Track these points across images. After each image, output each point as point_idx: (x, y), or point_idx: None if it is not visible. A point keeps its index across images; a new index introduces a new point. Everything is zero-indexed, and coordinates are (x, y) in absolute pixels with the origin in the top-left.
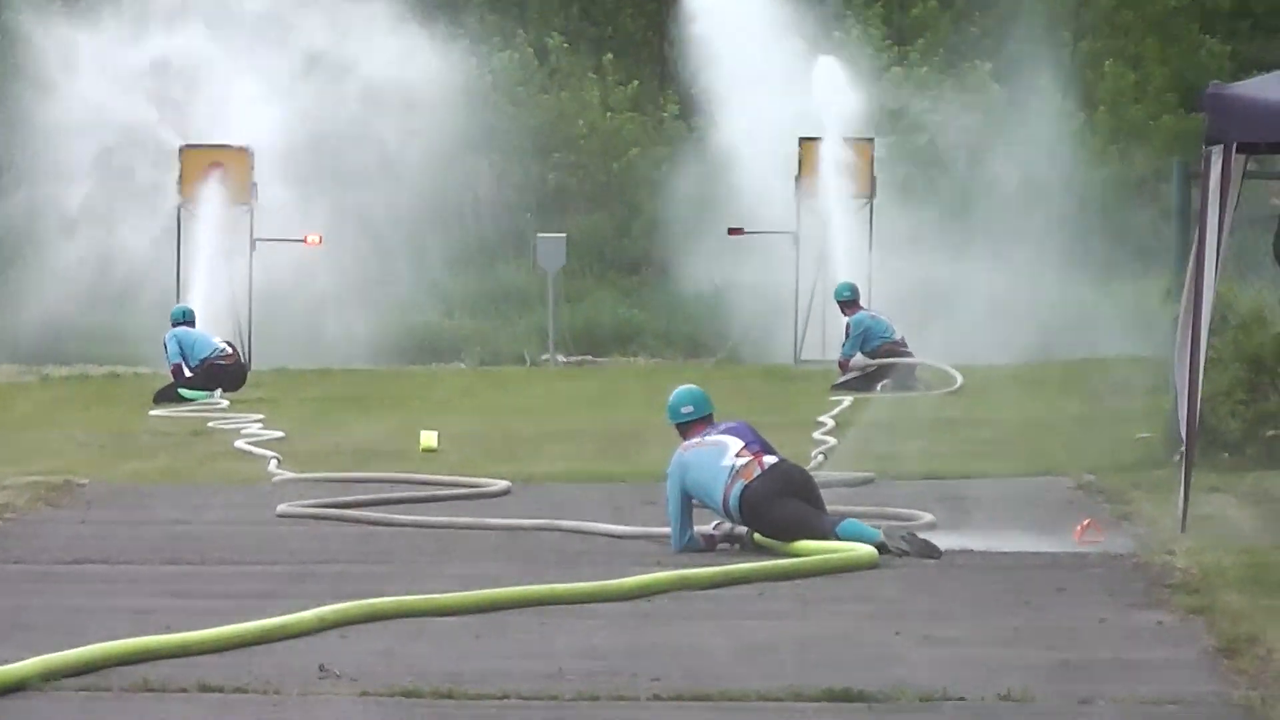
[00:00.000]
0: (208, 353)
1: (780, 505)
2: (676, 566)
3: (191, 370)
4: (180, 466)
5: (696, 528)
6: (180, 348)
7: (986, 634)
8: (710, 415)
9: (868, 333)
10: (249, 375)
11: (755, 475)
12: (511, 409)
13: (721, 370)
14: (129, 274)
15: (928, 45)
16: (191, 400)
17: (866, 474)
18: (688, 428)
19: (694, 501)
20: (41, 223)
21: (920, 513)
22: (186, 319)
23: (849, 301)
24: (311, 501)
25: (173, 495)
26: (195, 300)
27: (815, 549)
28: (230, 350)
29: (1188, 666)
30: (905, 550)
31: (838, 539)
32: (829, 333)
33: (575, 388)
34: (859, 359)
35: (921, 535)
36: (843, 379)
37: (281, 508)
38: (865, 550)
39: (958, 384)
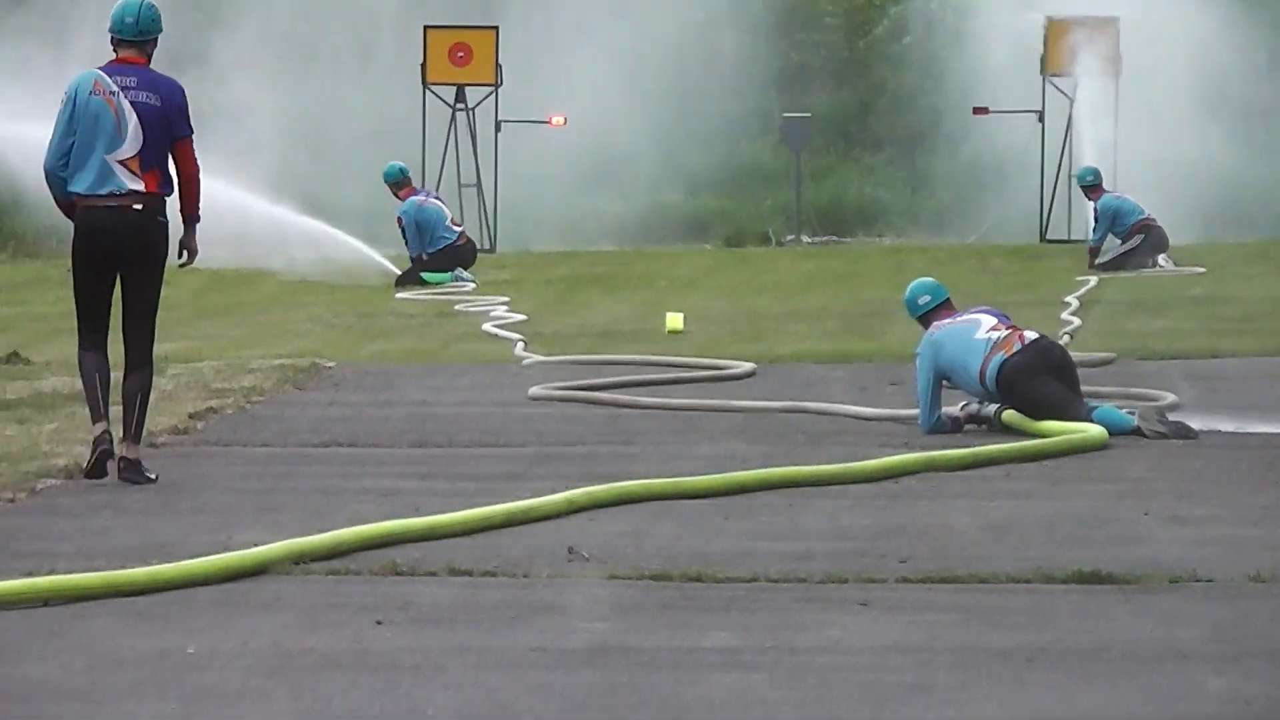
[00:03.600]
0: (443, 243)
1: (1039, 383)
2: (924, 448)
3: (429, 257)
4: (426, 348)
5: (944, 409)
6: (420, 234)
7: (1235, 513)
8: (948, 300)
9: (1117, 214)
10: (495, 259)
11: (1016, 349)
12: (756, 288)
13: (968, 249)
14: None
15: None
16: (436, 284)
17: (1108, 354)
18: (929, 317)
19: (944, 383)
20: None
21: (1164, 393)
22: (405, 177)
23: (1092, 186)
24: (560, 384)
25: (419, 377)
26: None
27: (1057, 429)
28: (460, 228)
29: None
30: (1162, 433)
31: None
32: (1075, 212)
33: (820, 266)
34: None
35: (1173, 416)
36: (1099, 261)
37: (533, 390)
38: (1096, 431)
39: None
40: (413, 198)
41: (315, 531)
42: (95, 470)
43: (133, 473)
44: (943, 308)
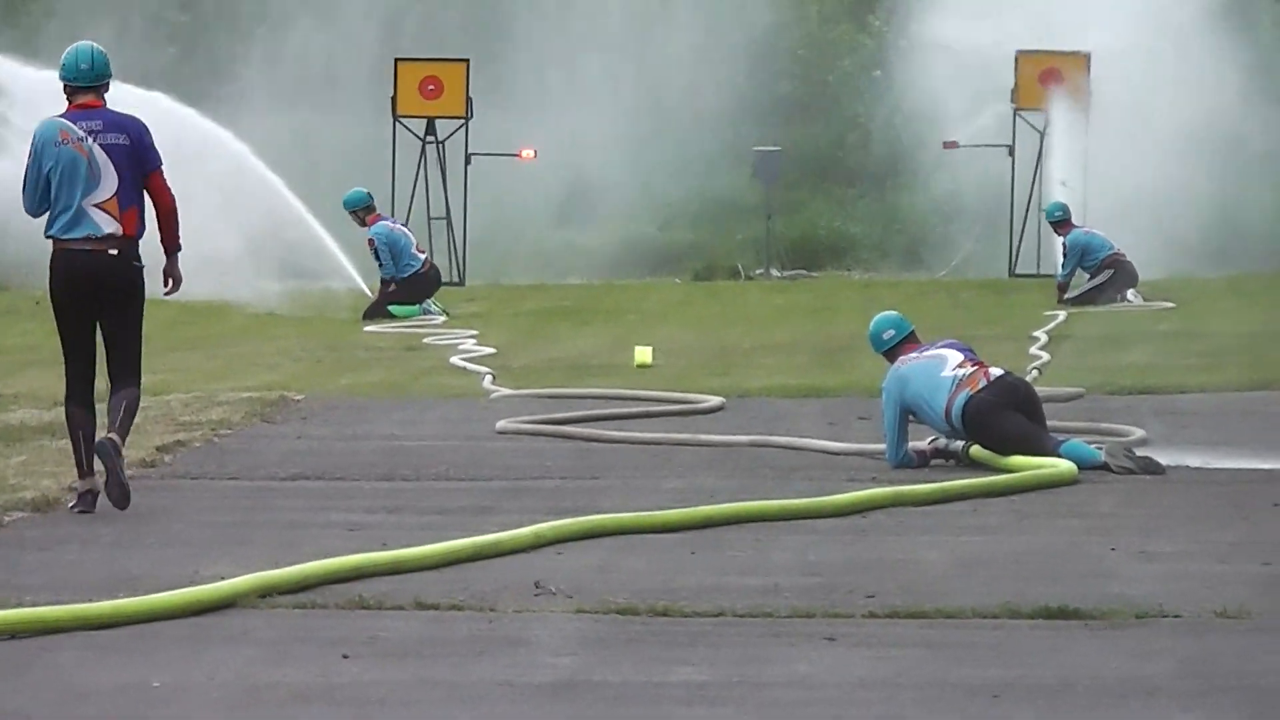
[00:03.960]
0: (410, 270)
1: (1005, 418)
2: (892, 482)
3: (397, 284)
4: (395, 381)
5: (911, 443)
6: (392, 258)
7: (1202, 549)
8: (913, 333)
9: (1086, 249)
10: (465, 291)
11: (981, 386)
12: (726, 321)
13: (938, 284)
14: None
15: None
16: (404, 318)
17: (1076, 389)
18: (894, 351)
19: (910, 417)
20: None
21: (1132, 428)
22: (371, 201)
23: (1061, 221)
24: (528, 418)
25: (387, 410)
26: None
27: (1025, 464)
28: (424, 255)
29: None
30: (1130, 468)
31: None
32: (1044, 246)
33: (790, 300)
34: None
35: (1140, 452)
36: (1068, 296)
37: (500, 424)
38: (1066, 467)
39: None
40: (382, 222)
41: (282, 565)
42: (82, 507)
43: (115, 453)
44: (907, 341)
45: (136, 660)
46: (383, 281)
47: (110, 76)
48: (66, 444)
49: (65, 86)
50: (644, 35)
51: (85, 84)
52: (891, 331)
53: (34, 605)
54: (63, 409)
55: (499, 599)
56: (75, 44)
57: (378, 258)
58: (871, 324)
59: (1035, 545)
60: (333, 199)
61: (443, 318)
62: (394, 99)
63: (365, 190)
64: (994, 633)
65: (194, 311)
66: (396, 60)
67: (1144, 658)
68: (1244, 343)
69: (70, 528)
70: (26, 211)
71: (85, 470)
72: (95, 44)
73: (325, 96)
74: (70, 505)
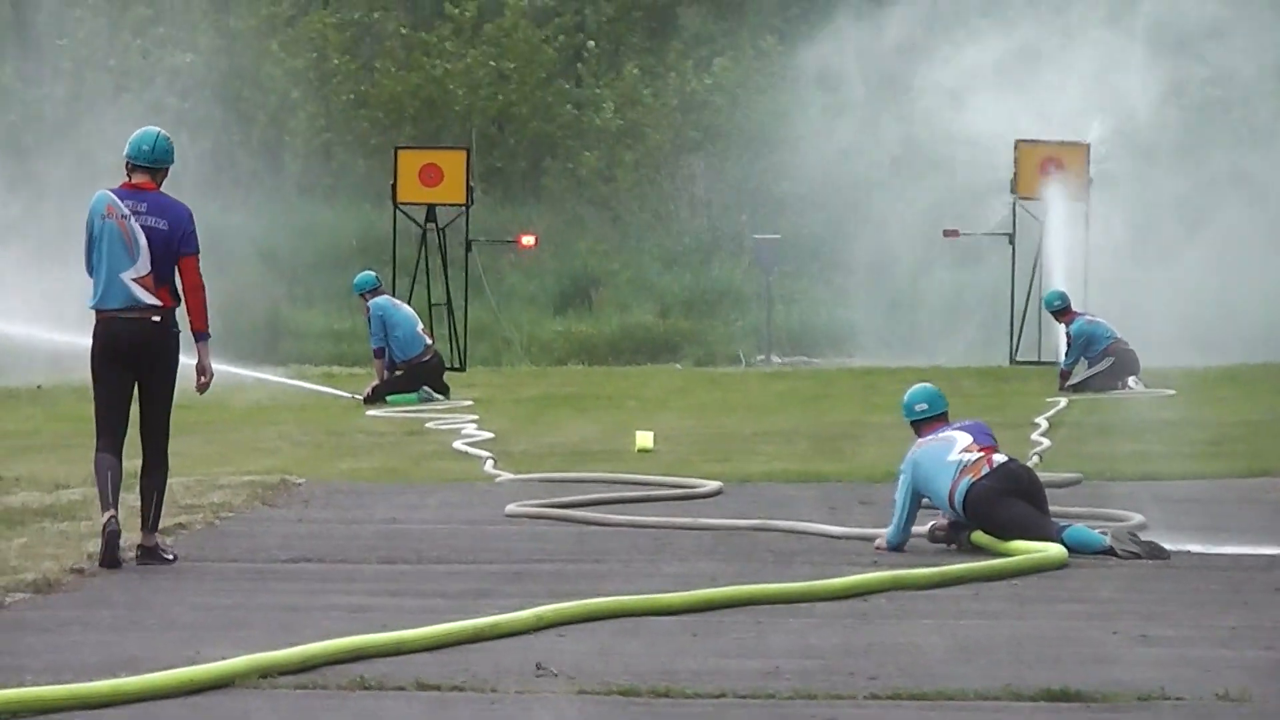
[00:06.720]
0: (413, 352)
1: (1006, 505)
2: (892, 566)
3: (398, 366)
4: (396, 466)
5: (918, 527)
6: (385, 329)
7: (1203, 634)
8: (945, 414)
9: (1090, 339)
10: (465, 377)
11: (983, 473)
12: (726, 408)
13: (938, 371)
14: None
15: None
16: (403, 405)
17: (1074, 475)
18: (922, 425)
19: (923, 500)
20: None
21: (1131, 513)
22: (377, 285)
23: (1062, 310)
24: (532, 502)
25: (388, 494)
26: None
27: (1023, 549)
28: (430, 342)
29: None
30: (1135, 553)
31: (1063, 544)
32: (1045, 333)
33: (790, 387)
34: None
35: (1143, 536)
36: (1070, 383)
37: (510, 508)
38: (1056, 551)
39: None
40: (385, 297)
41: (283, 647)
42: (107, 557)
43: (150, 558)
44: (938, 419)
45: None
46: (375, 352)
47: (170, 164)
48: (68, 526)
49: (126, 163)
50: (645, 120)
51: (143, 164)
52: (924, 405)
53: (34, 685)
54: (62, 492)
55: (500, 680)
56: (146, 127)
57: (370, 326)
58: (908, 393)
59: (1036, 629)
60: (331, 286)
61: (447, 402)
62: (394, 186)
63: (374, 274)
64: (995, 715)
65: (194, 396)
66: (396, 148)
67: None
68: (1244, 431)
69: (71, 610)
70: (89, 273)
71: (108, 503)
72: (163, 131)
73: (324, 183)
74: (97, 554)
